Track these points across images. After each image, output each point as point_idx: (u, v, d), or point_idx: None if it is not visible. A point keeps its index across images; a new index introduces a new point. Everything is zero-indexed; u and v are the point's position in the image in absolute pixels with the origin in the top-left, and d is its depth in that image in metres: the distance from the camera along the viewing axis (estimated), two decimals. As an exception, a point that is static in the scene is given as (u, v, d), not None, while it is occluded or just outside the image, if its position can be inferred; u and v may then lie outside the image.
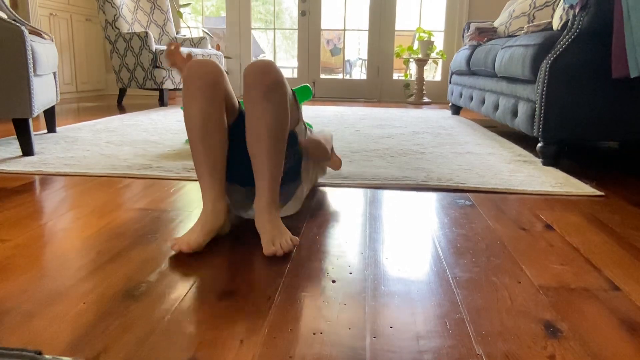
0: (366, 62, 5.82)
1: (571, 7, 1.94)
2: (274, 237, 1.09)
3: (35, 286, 0.91)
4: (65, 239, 1.16)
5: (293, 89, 1.50)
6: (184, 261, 1.04)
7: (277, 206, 1.15)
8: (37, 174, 1.79)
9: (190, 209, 1.41)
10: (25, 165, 1.90)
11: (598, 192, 1.65)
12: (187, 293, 0.90)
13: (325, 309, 0.85)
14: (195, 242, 1.07)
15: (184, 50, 4.10)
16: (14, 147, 2.25)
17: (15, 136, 2.53)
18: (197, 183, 1.69)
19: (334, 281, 0.96)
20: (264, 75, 1.10)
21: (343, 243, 1.17)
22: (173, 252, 1.08)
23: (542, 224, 1.33)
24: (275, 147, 1.13)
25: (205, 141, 1.13)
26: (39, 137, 2.54)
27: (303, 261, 1.06)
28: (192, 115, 1.13)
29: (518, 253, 1.12)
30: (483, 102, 3.02)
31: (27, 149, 2.09)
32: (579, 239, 1.22)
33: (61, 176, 1.77)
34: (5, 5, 2.65)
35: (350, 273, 1.00)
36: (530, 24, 2.51)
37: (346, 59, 6.35)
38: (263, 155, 1.12)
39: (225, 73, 1.19)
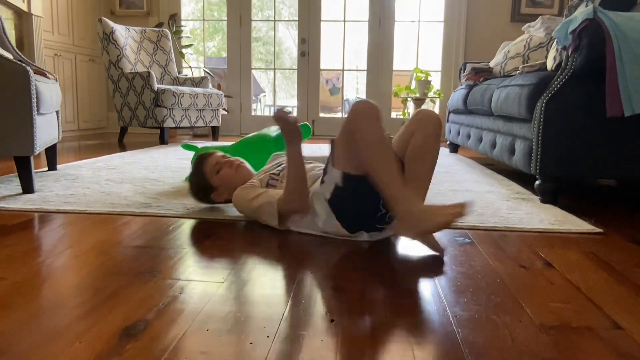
0: (365, 101, 5.89)
1: (564, 48, 1.99)
2: (437, 213, 1.27)
3: (32, 325, 0.90)
4: (63, 276, 1.15)
5: None
6: (182, 299, 1.04)
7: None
8: (37, 212, 1.79)
9: (189, 246, 1.41)
10: (25, 202, 1.90)
11: (597, 230, 1.65)
12: (185, 331, 0.89)
13: (323, 348, 0.84)
14: None
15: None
16: (15, 185, 2.26)
17: (16, 173, 2.54)
18: (195, 221, 1.70)
19: (332, 320, 0.95)
20: (439, 122, 1.50)
21: (343, 282, 1.16)
22: (171, 290, 1.08)
23: (541, 262, 1.33)
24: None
25: (388, 148, 1.35)
26: (40, 175, 2.55)
27: (302, 299, 1.05)
28: (374, 130, 1.34)
29: (518, 291, 1.12)
30: (480, 140, 3.05)
31: (27, 187, 2.09)
32: (579, 277, 1.22)
33: (61, 214, 1.77)
34: (12, 46, 2.71)
35: (350, 312, 0.99)
36: (525, 65, 2.56)
37: (345, 98, 6.44)
38: (424, 175, 1.54)
39: None
